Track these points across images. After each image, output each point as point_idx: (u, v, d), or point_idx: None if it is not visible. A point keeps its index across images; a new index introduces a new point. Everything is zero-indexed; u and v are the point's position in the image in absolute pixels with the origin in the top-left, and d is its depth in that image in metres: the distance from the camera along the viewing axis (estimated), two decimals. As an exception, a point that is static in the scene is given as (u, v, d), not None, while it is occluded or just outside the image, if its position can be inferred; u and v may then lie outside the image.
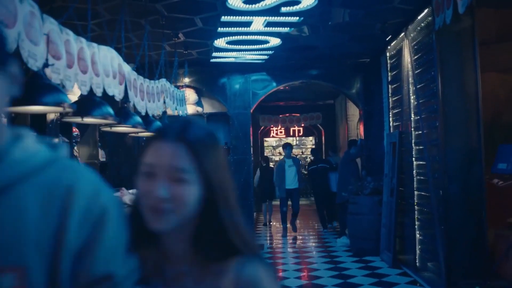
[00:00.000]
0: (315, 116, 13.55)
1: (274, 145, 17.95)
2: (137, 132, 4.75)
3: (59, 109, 2.63)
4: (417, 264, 5.55)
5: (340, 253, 7.12)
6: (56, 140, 5.79)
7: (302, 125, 14.47)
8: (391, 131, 6.77)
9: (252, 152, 8.69)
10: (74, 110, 2.83)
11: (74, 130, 6.38)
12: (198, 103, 9.06)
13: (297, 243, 8.37)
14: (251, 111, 8.53)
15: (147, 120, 4.64)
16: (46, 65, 2.57)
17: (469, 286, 4.45)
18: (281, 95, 11.47)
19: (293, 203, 8.99)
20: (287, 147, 9.33)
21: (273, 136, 16.28)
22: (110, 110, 3.35)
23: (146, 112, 4.65)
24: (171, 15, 5.39)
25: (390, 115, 6.82)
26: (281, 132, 15.81)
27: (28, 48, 2.37)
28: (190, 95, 8.59)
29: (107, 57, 3.60)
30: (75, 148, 6.62)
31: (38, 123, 4.31)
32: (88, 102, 3.23)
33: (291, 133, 15.69)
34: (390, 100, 6.80)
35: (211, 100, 8.96)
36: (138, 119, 4.21)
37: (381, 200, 6.60)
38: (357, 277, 5.64)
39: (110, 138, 7.57)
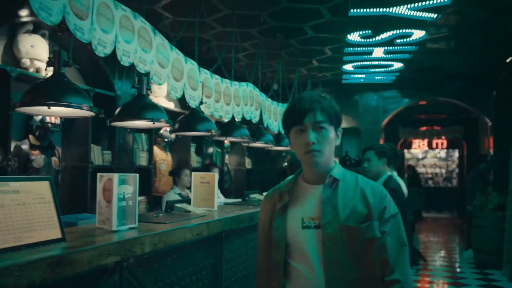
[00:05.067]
0: (457, 130, 13.40)
1: (420, 157, 17.92)
2: (270, 147, 5.85)
3: (208, 133, 3.81)
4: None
5: (463, 264, 7.37)
6: (211, 149, 7.24)
7: (443, 138, 14.37)
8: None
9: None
10: (220, 133, 4.01)
11: (226, 141, 7.78)
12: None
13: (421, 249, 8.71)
14: (382, 126, 9.16)
15: (279, 137, 5.72)
16: (201, 103, 3.77)
17: None
18: (422, 108, 11.73)
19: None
20: None
21: (415, 148, 16.33)
22: (246, 131, 4.48)
23: (279, 131, 5.73)
24: (304, 47, 6.41)
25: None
26: (423, 145, 15.82)
27: (190, 93, 3.58)
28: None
29: (246, 90, 4.76)
30: (226, 156, 8.03)
31: (198, 141, 5.70)
32: (230, 126, 4.40)
33: (434, 146, 15.60)
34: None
35: (344, 116, 9.80)
36: (270, 136, 5.30)
37: (505, 216, 6.73)
38: (470, 287, 5.98)
39: (256, 149, 8.90)
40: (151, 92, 5.78)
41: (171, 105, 6.17)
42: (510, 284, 6.05)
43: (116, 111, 3.05)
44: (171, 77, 3.33)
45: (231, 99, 4.37)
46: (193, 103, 3.60)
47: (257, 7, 4.79)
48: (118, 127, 4.42)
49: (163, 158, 6.10)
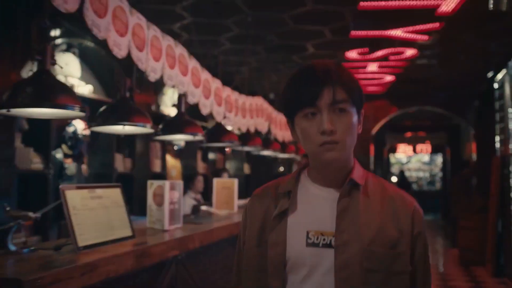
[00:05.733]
0: (441, 136, 14.10)
1: (405, 161, 18.62)
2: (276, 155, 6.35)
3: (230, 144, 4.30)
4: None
5: (449, 262, 7.97)
6: (214, 156, 7.71)
7: (428, 143, 15.07)
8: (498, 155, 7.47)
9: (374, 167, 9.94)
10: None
11: (228, 149, 8.25)
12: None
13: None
14: (373, 134, 9.74)
15: (284, 145, 6.22)
16: (224, 117, 4.25)
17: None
18: (408, 116, 12.35)
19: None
20: None
21: (400, 153, 17.02)
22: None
23: (283, 140, 6.23)
24: (304, 62, 6.92)
25: (497, 140, 7.53)
26: (408, 150, 16.51)
27: (216, 109, 4.06)
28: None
29: (258, 104, 5.25)
30: (227, 162, 8.51)
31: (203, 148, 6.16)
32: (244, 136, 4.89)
33: (418, 151, 16.30)
34: (498, 126, 7.52)
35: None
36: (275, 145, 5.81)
37: (487, 217, 7.33)
38: (457, 282, 6.54)
39: (254, 155, 9.39)
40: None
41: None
42: (493, 279, 6.63)
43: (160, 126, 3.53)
44: (202, 96, 3.81)
45: (246, 112, 4.85)
46: (219, 118, 4.08)
47: (266, 28, 5.27)
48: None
49: (173, 164, 6.54)
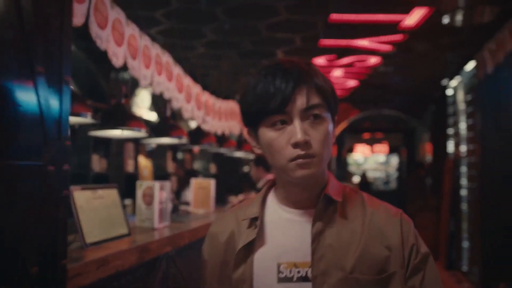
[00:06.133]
0: (397, 138, 14.77)
1: (362, 162, 19.27)
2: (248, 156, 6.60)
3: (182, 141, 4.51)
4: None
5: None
6: (182, 156, 7.86)
7: (384, 144, 15.72)
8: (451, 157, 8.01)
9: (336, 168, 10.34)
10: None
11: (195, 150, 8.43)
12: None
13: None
14: (337, 133, 10.15)
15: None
16: (203, 121, 4.46)
17: None
18: (368, 118, 12.87)
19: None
20: None
21: (358, 153, 17.63)
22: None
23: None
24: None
25: (450, 143, 8.08)
26: (366, 150, 17.13)
27: (196, 113, 4.26)
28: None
29: (231, 107, 5.48)
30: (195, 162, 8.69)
31: (173, 148, 6.31)
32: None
33: (376, 151, 16.95)
34: (451, 130, 8.06)
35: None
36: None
37: (440, 216, 7.86)
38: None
39: (220, 155, 9.60)
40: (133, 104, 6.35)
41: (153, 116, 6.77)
42: (445, 272, 7.13)
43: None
44: (184, 100, 4.00)
45: (222, 115, 5.08)
46: (199, 121, 4.30)
47: (241, 35, 5.50)
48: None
49: (145, 164, 6.67)
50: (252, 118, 1.03)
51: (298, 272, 0.98)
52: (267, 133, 0.99)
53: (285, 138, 0.97)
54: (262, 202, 1.09)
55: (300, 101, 0.96)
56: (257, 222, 1.05)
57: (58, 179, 1.01)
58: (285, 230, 1.03)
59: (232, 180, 9.85)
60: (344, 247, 0.98)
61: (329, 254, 0.97)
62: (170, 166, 7.40)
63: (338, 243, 0.99)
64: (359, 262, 0.96)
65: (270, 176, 5.08)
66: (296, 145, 0.95)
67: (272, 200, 1.10)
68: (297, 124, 0.96)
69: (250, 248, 1.03)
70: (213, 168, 9.45)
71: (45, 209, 0.97)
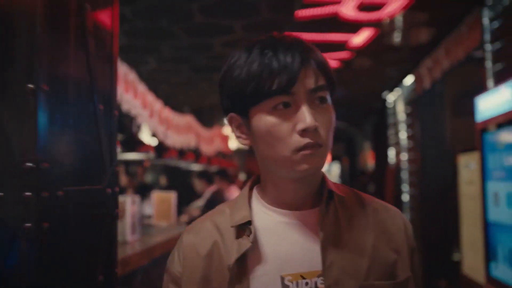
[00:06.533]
0: (339, 146, 15.38)
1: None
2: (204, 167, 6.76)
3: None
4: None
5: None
6: (134, 169, 7.88)
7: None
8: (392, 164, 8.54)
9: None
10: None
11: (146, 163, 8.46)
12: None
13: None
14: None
15: (209, 158, 6.63)
16: (164, 135, 4.58)
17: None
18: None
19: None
20: None
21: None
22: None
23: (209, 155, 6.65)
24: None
25: (390, 151, 8.62)
26: (309, 159, 17.67)
27: (160, 128, 4.39)
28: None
29: (188, 121, 5.62)
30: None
31: (127, 165, 6.37)
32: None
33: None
34: (391, 139, 8.61)
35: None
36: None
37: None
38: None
39: (169, 167, 9.68)
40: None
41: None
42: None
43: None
44: (148, 116, 4.13)
45: (180, 129, 5.22)
46: (161, 136, 4.43)
47: (197, 51, 5.66)
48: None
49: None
50: (244, 101, 0.83)
51: (306, 284, 0.83)
52: (265, 119, 0.82)
53: (290, 124, 0.81)
54: (250, 206, 0.90)
55: (308, 81, 0.82)
56: (250, 226, 0.86)
57: (113, 199, 1.15)
58: (282, 236, 0.86)
59: (183, 192, 9.93)
60: (354, 251, 0.85)
61: (340, 260, 0.83)
62: (124, 180, 7.39)
63: (347, 247, 0.85)
64: (372, 266, 0.84)
65: (212, 188, 5.16)
66: (304, 133, 0.80)
67: (258, 203, 0.91)
68: (305, 107, 0.81)
69: (244, 261, 0.85)
70: (163, 180, 9.49)
71: (106, 225, 1.11)
